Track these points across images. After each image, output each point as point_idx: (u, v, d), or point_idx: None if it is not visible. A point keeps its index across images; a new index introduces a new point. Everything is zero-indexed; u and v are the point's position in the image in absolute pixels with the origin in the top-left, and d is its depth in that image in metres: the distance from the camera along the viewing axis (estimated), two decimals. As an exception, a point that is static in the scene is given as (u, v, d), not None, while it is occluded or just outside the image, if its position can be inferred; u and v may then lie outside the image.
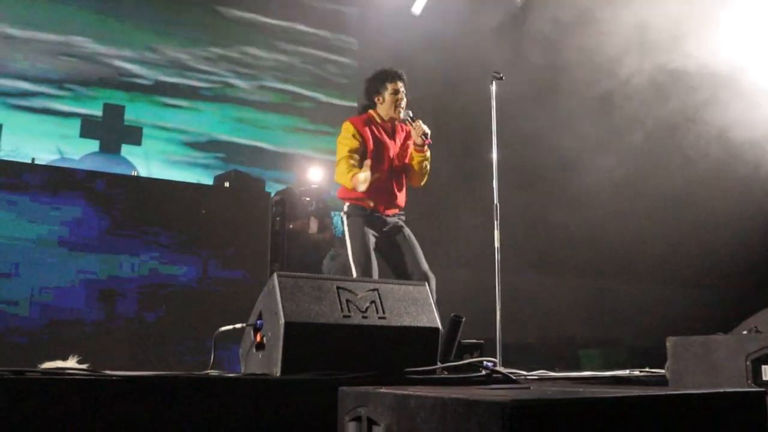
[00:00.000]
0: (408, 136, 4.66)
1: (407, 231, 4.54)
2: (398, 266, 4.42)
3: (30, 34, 8.36)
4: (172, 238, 5.07)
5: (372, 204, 4.46)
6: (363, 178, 4.22)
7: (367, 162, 4.34)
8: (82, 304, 4.91)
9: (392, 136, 4.62)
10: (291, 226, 6.47)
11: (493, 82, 4.84)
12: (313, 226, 6.85)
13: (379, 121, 4.61)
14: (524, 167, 7.53)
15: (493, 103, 4.81)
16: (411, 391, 2.03)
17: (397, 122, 4.65)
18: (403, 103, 4.59)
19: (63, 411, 2.37)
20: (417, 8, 8.78)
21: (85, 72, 8.61)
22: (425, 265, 4.38)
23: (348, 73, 10.18)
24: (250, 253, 5.25)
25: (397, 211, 4.61)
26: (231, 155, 9.13)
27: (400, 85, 4.60)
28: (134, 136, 9.00)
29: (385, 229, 4.49)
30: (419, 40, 8.20)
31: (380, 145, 4.53)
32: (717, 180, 7.37)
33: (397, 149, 4.60)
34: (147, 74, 8.98)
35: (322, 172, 7.77)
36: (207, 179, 8.22)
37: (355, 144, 4.44)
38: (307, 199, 7.10)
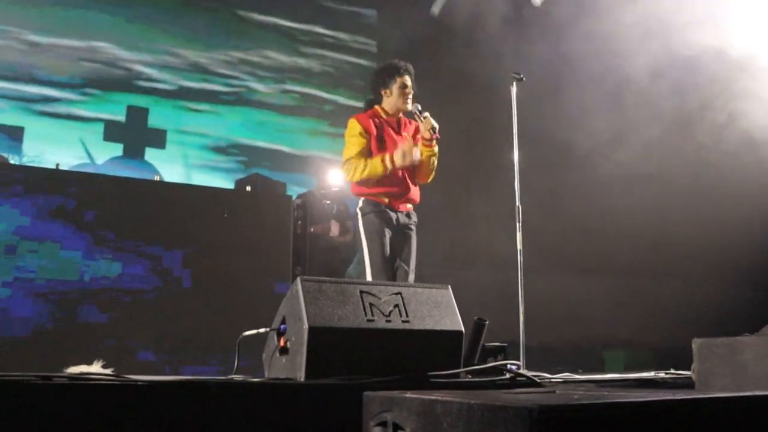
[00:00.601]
0: (416, 130, 4.65)
1: (413, 240, 4.55)
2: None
3: (52, 40, 8.44)
4: (193, 242, 5.10)
5: (387, 200, 4.46)
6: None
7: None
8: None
9: (398, 131, 4.61)
10: (312, 230, 6.47)
11: (514, 83, 4.82)
12: (335, 229, 6.86)
13: (384, 116, 4.61)
14: (544, 166, 7.49)
15: (514, 104, 4.79)
16: (437, 395, 2.03)
17: (403, 116, 4.65)
18: (411, 97, 4.57)
19: (89, 416, 2.38)
20: (436, 8, 8.77)
21: (107, 77, 8.68)
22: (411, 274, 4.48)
23: (367, 74, 10.18)
24: (272, 257, 5.26)
25: (411, 208, 4.60)
26: (252, 159, 9.17)
27: (408, 79, 4.60)
28: (158, 139, 8.99)
29: (397, 226, 4.49)
30: (438, 41, 8.20)
31: (386, 141, 4.53)
32: (744, 176, 7.31)
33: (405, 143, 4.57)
34: (168, 79, 9.04)
35: (343, 175, 7.75)
36: (228, 183, 8.27)
37: (362, 143, 4.48)
38: (328, 202, 7.11)
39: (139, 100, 8.90)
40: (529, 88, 4.87)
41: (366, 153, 4.48)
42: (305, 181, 8.56)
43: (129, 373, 2.79)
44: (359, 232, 4.47)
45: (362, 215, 4.48)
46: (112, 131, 8.81)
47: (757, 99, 6.66)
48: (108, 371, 3.52)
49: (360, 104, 9.94)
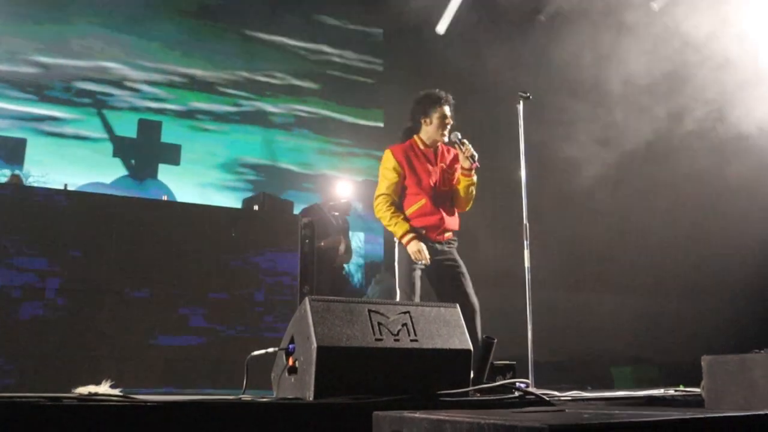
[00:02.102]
0: (455, 159, 4.64)
1: (458, 264, 4.51)
2: (443, 296, 4.40)
3: (61, 60, 8.51)
4: (200, 262, 5.11)
5: (423, 232, 4.45)
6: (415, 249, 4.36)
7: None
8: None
9: (435, 162, 4.59)
10: (322, 244, 6.48)
11: (521, 102, 4.83)
12: (342, 247, 6.88)
13: (421, 147, 4.61)
14: (551, 185, 7.51)
15: (521, 122, 4.80)
16: (446, 415, 2.03)
17: (442, 145, 4.64)
18: (449, 128, 4.58)
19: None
20: (441, 27, 8.81)
21: (114, 96, 8.72)
22: (472, 297, 4.38)
23: (373, 93, 10.23)
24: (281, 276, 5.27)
25: (449, 236, 4.57)
26: (259, 178, 9.19)
27: (448, 110, 4.59)
28: (172, 154, 8.77)
29: (437, 258, 4.46)
30: (444, 59, 8.23)
31: (421, 176, 4.52)
32: (753, 192, 7.30)
33: (439, 174, 4.56)
34: (176, 98, 9.07)
35: (351, 187, 7.77)
36: (236, 203, 8.28)
37: (395, 178, 4.49)
38: (336, 213, 7.12)
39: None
40: (534, 105, 4.88)
41: (399, 189, 4.51)
42: (313, 200, 8.58)
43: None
44: (395, 258, 4.49)
45: (398, 243, 4.48)
46: (122, 147, 8.63)
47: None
48: (116, 391, 3.53)
49: (365, 122, 10.05)
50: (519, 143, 4.78)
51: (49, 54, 8.42)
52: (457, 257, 4.52)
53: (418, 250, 4.30)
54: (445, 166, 4.60)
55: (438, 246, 4.48)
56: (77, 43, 8.58)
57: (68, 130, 8.47)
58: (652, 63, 7.03)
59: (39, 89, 8.34)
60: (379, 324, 3.03)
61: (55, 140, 8.35)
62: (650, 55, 7.00)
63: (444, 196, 4.56)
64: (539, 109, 5.27)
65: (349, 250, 7.12)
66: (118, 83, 8.76)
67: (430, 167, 4.55)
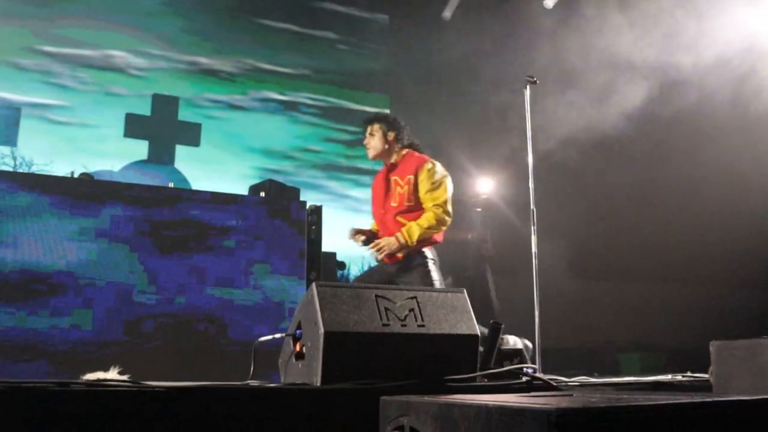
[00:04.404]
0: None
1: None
2: None
3: (71, 51, 8.49)
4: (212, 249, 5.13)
5: None
6: None
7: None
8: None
9: None
10: (469, 237, 6.68)
11: (527, 86, 4.81)
12: (487, 240, 7.01)
13: None
14: (559, 170, 7.47)
15: (528, 106, 4.78)
16: (454, 399, 2.02)
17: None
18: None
19: (107, 422, 2.39)
20: (447, 13, 8.77)
21: (122, 83, 8.68)
22: None
23: (378, 79, 10.20)
24: (288, 262, 5.28)
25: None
26: (265, 164, 9.18)
27: None
28: (191, 134, 8.41)
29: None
30: (450, 44, 8.20)
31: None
32: (764, 179, 7.26)
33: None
34: (184, 85, 9.04)
35: (491, 184, 7.84)
36: (242, 189, 8.25)
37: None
38: (479, 210, 7.32)
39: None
40: (542, 89, 4.86)
41: None
42: (319, 187, 8.58)
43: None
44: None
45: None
46: (135, 126, 8.32)
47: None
48: (124, 377, 3.55)
49: (371, 108, 10.03)
50: (526, 127, 4.76)
51: (53, 42, 8.40)
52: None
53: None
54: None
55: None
56: (81, 31, 8.54)
57: (75, 116, 8.43)
58: (662, 45, 6.98)
59: (44, 76, 8.33)
60: (387, 309, 3.03)
61: (61, 127, 8.32)
62: (659, 36, 6.95)
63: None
64: (546, 93, 5.24)
65: (493, 244, 7.27)
66: (123, 70, 8.73)
67: None
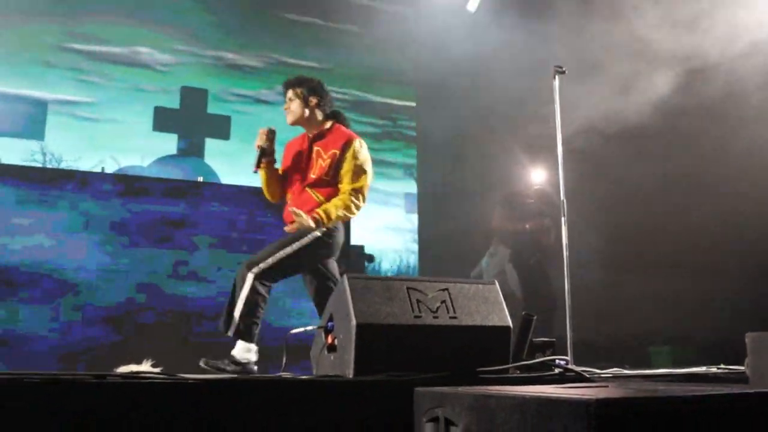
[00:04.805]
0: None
1: None
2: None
3: (98, 48, 8.54)
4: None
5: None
6: None
7: None
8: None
9: None
10: (527, 226, 6.81)
11: (556, 77, 4.76)
12: (549, 229, 7.09)
13: None
14: (588, 160, 7.41)
15: (557, 97, 4.73)
16: (490, 390, 2.01)
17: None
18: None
19: (142, 414, 2.41)
20: (472, 6, 8.72)
21: (149, 79, 8.71)
22: None
23: (403, 70, 10.16)
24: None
25: None
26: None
27: None
28: (220, 127, 8.32)
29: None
30: (475, 36, 8.15)
31: None
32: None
33: None
34: (211, 81, 9.06)
35: (543, 175, 7.87)
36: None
37: None
38: (531, 201, 7.40)
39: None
40: (570, 79, 4.80)
41: None
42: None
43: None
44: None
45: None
46: (164, 120, 8.28)
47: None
48: (157, 370, 3.57)
49: (397, 102, 10.02)
50: (555, 118, 4.72)
51: (80, 40, 8.46)
52: None
53: None
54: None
55: None
56: (108, 28, 8.58)
57: (103, 113, 8.47)
58: (690, 32, 6.88)
59: (72, 73, 8.38)
60: (418, 301, 3.03)
61: (89, 123, 8.35)
62: (687, 23, 6.85)
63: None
64: (576, 83, 5.19)
65: (553, 233, 7.31)
66: (150, 66, 8.76)
67: None
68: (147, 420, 2.40)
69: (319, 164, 4.15)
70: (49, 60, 8.30)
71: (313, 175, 4.14)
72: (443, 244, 8.45)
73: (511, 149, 7.90)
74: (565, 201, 4.58)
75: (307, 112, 4.24)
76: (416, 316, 2.98)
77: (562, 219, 4.53)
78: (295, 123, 4.27)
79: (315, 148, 4.21)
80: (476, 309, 3.16)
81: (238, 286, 3.80)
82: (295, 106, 4.24)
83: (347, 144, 4.16)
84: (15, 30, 8.24)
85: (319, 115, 4.27)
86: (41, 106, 8.01)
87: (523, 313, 3.53)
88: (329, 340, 3.05)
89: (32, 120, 7.85)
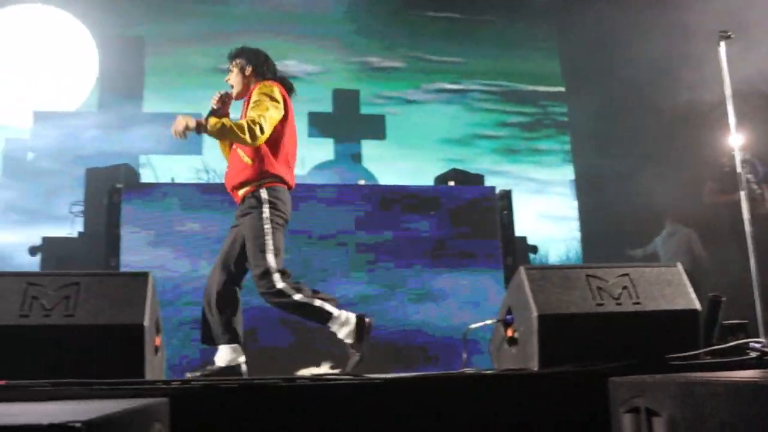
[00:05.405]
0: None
1: None
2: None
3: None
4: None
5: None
6: None
7: None
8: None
9: None
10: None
11: (721, 43, 4.48)
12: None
13: None
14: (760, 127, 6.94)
15: (725, 65, 4.45)
16: (693, 377, 1.91)
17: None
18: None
19: (331, 413, 2.48)
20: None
21: (299, 89, 8.92)
22: None
23: (548, 55, 9.93)
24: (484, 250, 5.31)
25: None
26: (445, 155, 9.13)
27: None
28: (375, 127, 8.35)
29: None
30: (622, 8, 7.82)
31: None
32: None
33: None
34: (359, 86, 9.21)
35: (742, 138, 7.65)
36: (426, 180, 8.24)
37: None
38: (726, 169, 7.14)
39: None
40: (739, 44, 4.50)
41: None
42: (500, 173, 8.46)
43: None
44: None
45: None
46: (318, 125, 8.36)
47: None
48: (336, 371, 3.67)
49: (547, 88, 9.80)
50: (723, 86, 4.44)
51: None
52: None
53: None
54: None
55: None
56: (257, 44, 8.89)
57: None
58: None
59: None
60: (599, 288, 2.94)
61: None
62: None
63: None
64: (745, 48, 4.87)
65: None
66: (299, 77, 8.98)
67: None
68: (333, 418, 2.46)
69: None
70: (204, 82, 8.72)
71: None
72: (606, 229, 8.18)
73: (676, 120, 7.52)
74: (742, 173, 4.31)
75: (245, 81, 4.03)
76: (598, 304, 2.90)
77: (742, 193, 4.27)
78: (238, 96, 4.05)
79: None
80: (660, 293, 3.03)
81: (283, 300, 3.62)
82: (234, 77, 4.05)
83: (254, 88, 3.93)
84: (171, 57, 8.74)
85: (256, 83, 4.02)
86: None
87: (711, 294, 3.35)
88: (509, 333, 3.02)
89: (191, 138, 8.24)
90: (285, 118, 3.89)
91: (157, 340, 3.02)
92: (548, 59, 9.88)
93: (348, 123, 8.58)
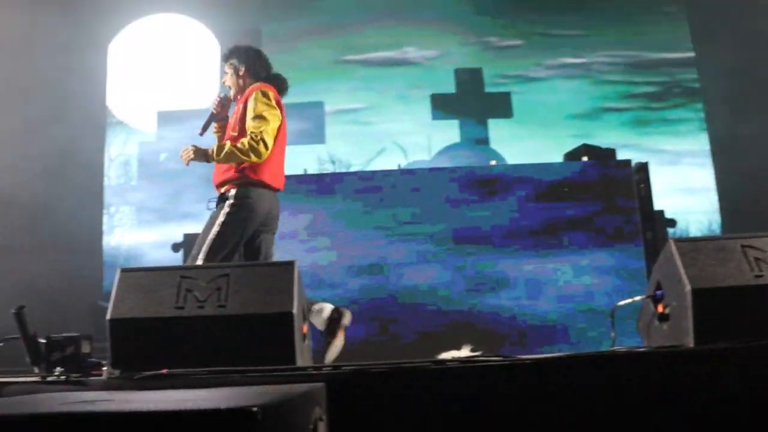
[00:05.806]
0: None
1: None
2: None
3: (370, 55, 8.98)
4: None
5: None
6: None
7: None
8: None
9: None
10: None
11: None
12: None
13: None
14: None
15: None
16: None
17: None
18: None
19: (480, 394, 2.47)
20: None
21: (421, 76, 8.95)
22: None
23: (675, 18, 9.49)
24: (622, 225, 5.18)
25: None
26: (572, 131, 8.89)
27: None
28: (501, 105, 8.22)
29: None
30: None
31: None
32: None
33: None
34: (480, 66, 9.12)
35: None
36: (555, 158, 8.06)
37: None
38: None
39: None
40: None
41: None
42: (631, 145, 8.19)
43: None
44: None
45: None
46: (442, 106, 8.35)
47: None
48: (478, 353, 3.65)
49: (676, 55, 9.37)
50: None
51: (354, 50, 8.92)
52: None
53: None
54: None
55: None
56: (377, 34, 8.96)
57: (380, 115, 8.82)
58: None
59: (349, 83, 8.86)
60: (757, 259, 2.79)
61: (369, 127, 8.76)
62: None
63: None
64: None
65: None
66: (419, 63, 8.98)
67: None
68: (487, 401, 2.46)
69: (232, 121, 4.08)
70: (324, 74, 8.85)
71: (233, 133, 4.00)
72: (748, 199, 7.78)
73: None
74: None
75: (240, 82, 4.13)
76: (757, 276, 2.75)
77: None
78: (236, 96, 4.16)
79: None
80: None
81: None
82: (228, 78, 4.17)
83: (251, 93, 4.00)
84: (295, 51, 8.92)
85: (251, 83, 4.13)
86: (319, 109, 8.55)
87: None
88: (660, 308, 2.91)
89: (315, 123, 8.39)
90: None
91: (305, 328, 3.09)
92: (676, 23, 9.43)
93: (473, 103, 8.48)
